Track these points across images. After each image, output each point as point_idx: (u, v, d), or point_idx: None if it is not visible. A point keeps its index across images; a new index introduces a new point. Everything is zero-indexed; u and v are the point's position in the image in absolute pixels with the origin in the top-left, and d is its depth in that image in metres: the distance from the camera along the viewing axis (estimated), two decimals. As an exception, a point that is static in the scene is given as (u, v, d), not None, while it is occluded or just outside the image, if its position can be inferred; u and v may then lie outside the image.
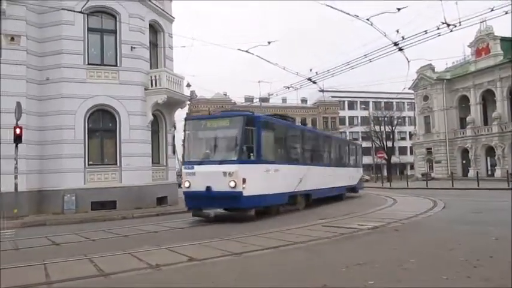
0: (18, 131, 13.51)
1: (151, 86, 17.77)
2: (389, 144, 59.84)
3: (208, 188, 10.98)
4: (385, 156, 50.03)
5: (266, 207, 12.35)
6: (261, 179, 11.43)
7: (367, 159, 67.12)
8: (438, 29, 12.58)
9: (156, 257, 6.06)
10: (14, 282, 4.88)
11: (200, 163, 11.53)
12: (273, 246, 6.91)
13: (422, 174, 45.64)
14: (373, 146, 58.52)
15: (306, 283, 4.70)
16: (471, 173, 40.82)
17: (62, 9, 14.78)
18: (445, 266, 5.23)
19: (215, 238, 7.92)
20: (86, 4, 14.21)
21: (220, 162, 11.15)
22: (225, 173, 10.82)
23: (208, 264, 5.72)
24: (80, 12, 14.30)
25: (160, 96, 17.53)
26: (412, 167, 62.86)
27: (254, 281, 4.92)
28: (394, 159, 63.58)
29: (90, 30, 16.97)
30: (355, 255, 6.17)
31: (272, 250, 6.68)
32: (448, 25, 12.40)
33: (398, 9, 12.72)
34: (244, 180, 10.75)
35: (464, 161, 45.81)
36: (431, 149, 49.31)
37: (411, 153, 63.51)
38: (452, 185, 27.89)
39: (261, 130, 11.65)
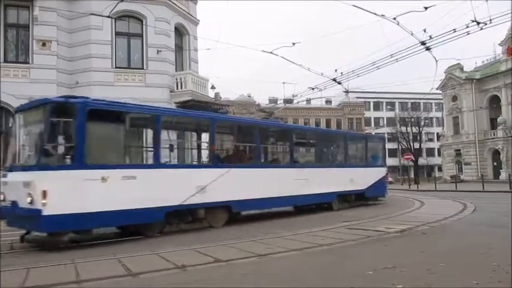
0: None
1: (177, 88, 18.05)
2: (417, 145, 58.62)
3: (14, 203, 7.92)
4: (412, 158, 49.00)
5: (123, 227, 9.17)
6: (85, 191, 7.81)
7: (393, 161, 66.21)
8: (467, 27, 12.29)
9: (182, 258, 6.12)
10: (44, 281, 5.02)
11: (10, 169, 8.59)
12: (297, 248, 6.87)
13: (451, 176, 44.51)
14: (400, 147, 57.48)
15: (332, 286, 4.65)
16: (503, 175, 39.51)
17: (91, 14, 15.19)
18: (475, 271, 5.08)
19: (240, 239, 7.95)
20: (113, 9, 14.54)
21: (23, 169, 8.19)
22: (24, 184, 7.66)
23: (233, 266, 5.74)
24: (108, 16, 14.64)
25: (186, 98, 17.76)
26: (440, 169, 61.38)
27: (278, 283, 4.90)
28: (422, 161, 62.18)
29: (117, 34, 17.40)
30: (383, 258, 6.07)
31: (297, 252, 6.65)
32: (478, 23, 12.08)
33: (426, 8, 12.47)
34: (45, 194, 7.34)
35: (495, 163, 44.38)
36: (460, 150, 48.03)
37: (439, 154, 62.07)
38: (483, 188, 27.06)
39: (84, 122, 7.98)
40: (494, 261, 5.54)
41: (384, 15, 13.00)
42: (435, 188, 31.41)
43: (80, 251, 7.50)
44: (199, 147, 12.51)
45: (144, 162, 10.42)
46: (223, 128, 12.47)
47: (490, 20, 11.96)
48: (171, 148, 10.67)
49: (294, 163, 13.73)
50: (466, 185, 35.38)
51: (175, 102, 17.53)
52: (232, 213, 11.13)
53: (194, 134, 12.71)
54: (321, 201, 14.53)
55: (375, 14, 13.11)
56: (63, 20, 16.87)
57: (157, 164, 9.38)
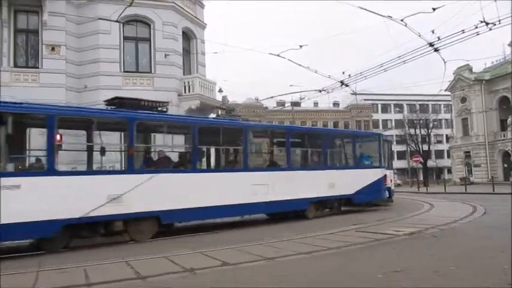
0: (58, 137, 14.00)
1: (185, 92, 18.14)
2: (426, 147, 58.20)
3: None
4: (421, 160, 48.67)
5: None
6: None
7: (402, 163, 65.78)
8: (476, 28, 12.21)
9: (190, 261, 6.13)
10: (55, 283, 5.07)
11: None
12: (306, 252, 6.84)
13: (461, 178, 44.14)
14: (408, 149, 57.10)
15: (341, 289, 4.63)
16: (513, 177, 39.13)
17: (99, 18, 15.33)
18: (486, 274, 5.03)
19: (248, 242, 7.94)
20: (122, 13, 14.66)
21: None
22: None
23: (241, 269, 5.74)
24: (116, 21, 14.76)
25: (194, 102, 17.86)
26: (449, 171, 60.88)
27: (287, 286, 4.89)
28: (431, 163, 61.72)
29: (125, 38, 17.55)
30: (392, 261, 6.03)
31: (305, 255, 6.62)
32: (487, 24, 12.00)
33: (434, 9, 12.44)
34: None
35: (505, 165, 43.94)
36: (469, 152, 47.63)
37: (448, 156, 61.56)
38: (493, 190, 26.74)
39: None
40: (505, 263, 5.47)
41: (391, 17, 12.99)
42: (444, 190, 31.14)
43: (82, 253, 7.54)
44: (115, 151, 11.14)
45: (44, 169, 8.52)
46: (153, 128, 11.26)
47: (499, 21, 11.89)
48: (79, 152, 9.85)
49: (248, 167, 11.82)
50: (476, 187, 35.01)
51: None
52: (164, 225, 9.98)
53: (110, 135, 10.77)
54: (288, 209, 12.65)
55: (381, 15, 13.10)
56: (71, 25, 17.04)
57: (49, 171, 8.14)
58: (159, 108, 11.02)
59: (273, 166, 13.33)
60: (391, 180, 18.17)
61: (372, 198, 15.73)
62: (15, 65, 16.29)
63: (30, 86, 15.88)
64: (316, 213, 13.42)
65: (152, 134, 12.14)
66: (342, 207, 14.76)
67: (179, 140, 12.31)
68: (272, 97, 22.47)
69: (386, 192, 16.43)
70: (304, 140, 14.44)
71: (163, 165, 10.47)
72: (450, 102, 54.81)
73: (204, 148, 12.34)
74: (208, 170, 12.46)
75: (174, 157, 11.12)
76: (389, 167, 18.37)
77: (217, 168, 12.76)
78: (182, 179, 10.25)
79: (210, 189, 10.47)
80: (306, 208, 13.02)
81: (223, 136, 11.77)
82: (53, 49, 16.48)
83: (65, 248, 8.35)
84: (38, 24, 16.57)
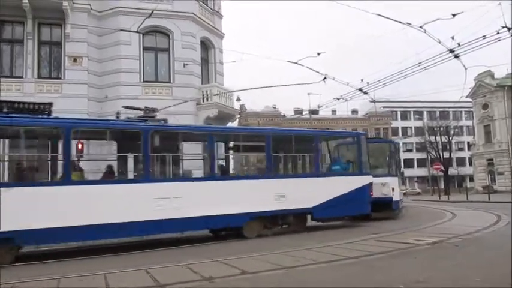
0: (80, 146, 14.27)
1: (203, 100, 18.30)
2: (446, 155, 57.15)
3: None
4: (442, 168, 47.77)
5: None
6: None
7: (422, 171, 64.70)
8: (498, 33, 12.00)
9: (209, 269, 6.15)
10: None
11: None
12: (325, 261, 6.77)
13: (484, 186, 43.10)
14: (429, 157, 56.17)
15: (361, 300, 4.56)
16: (539, 185, 38.04)
17: (120, 30, 15.65)
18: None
19: (267, 251, 7.91)
20: (141, 24, 14.94)
21: None
22: None
23: (260, 278, 5.72)
24: (136, 32, 15.05)
25: (212, 111, 17.99)
26: (471, 179, 59.54)
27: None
28: (452, 171, 60.57)
29: (145, 49, 17.86)
30: (413, 271, 5.92)
31: (324, 265, 6.55)
32: (509, 29, 11.79)
33: (454, 15, 12.28)
34: None
35: (530, 173, 42.82)
36: (492, 160, 46.56)
37: (470, 164, 60.30)
38: (518, 199, 26.04)
39: None
40: (532, 275, 5.31)
41: (410, 24, 12.90)
42: (467, 198, 30.45)
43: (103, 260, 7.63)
44: None
45: None
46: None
47: (522, 26, 11.66)
48: None
49: (150, 175, 9.90)
50: (500, 195, 34.13)
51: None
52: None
53: None
54: (212, 226, 10.88)
55: (400, 22, 13.01)
56: (93, 37, 17.44)
57: None
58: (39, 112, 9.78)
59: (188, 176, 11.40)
60: (393, 189, 15.28)
61: (345, 213, 13.04)
62: (39, 76, 16.74)
63: (53, 97, 16.24)
64: (260, 230, 11.19)
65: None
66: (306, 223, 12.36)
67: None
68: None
69: (369, 206, 13.32)
70: (239, 143, 12.45)
71: None
72: (471, 109, 53.83)
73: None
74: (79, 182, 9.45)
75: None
76: (393, 173, 16.02)
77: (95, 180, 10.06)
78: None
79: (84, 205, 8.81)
80: (243, 225, 10.78)
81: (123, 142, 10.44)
82: (75, 60, 16.88)
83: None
84: (61, 37, 17.02)
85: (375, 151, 15.81)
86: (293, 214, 11.78)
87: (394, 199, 15.27)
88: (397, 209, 15.90)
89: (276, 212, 11.33)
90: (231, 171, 14.06)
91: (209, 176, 10.82)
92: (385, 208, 14.99)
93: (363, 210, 13.29)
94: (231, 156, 12.99)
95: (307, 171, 13.11)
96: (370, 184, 13.36)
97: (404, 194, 27.21)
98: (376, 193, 14.13)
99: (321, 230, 12.47)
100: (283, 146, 12.69)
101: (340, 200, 12.27)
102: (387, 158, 16.43)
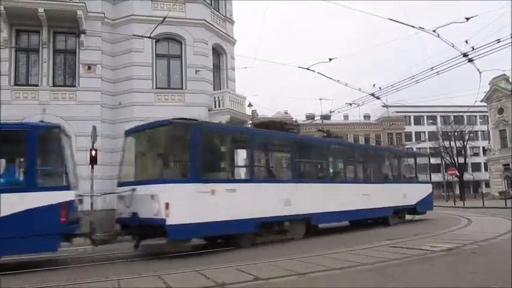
0: (93, 153, 14.42)
1: (215, 106, 18.37)
2: (461, 160, 56.32)
3: None
4: (457, 173, 47.08)
5: None
6: None
7: (436, 177, 63.79)
8: (513, 36, 11.83)
9: (222, 275, 6.12)
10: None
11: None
12: (338, 267, 6.70)
13: (500, 192, 42.35)
14: (443, 162, 55.41)
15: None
16: (557, 190, 37.20)
17: (133, 35, 15.84)
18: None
19: (280, 257, 7.86)
20: (153, 30, 15.09)
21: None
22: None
23: (273, 284, 5.68)
24: (149, 37, 15.21)
25: (224, 117, 18.03)
26: (487, 185, 58.56)
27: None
28: (467, 176, 59.64)
29: (157, 56, 18.01)
30: (429, 279, 5.81)
31: (338, 271, 6.48)
32: (524, 32, 11.61)
33: (467, 19, 12.16)
34: None
35: (548, 178, 41.94)
36: (509, 165, 45.68)
37: (486, 169, 59.33)
38: (536, 204, 25.53)
39: None
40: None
41: (422, 28, 12.80)
42: (483, 204, 29.93)
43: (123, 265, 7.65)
44: None
45: None
46: None
47: (537, 29, 11.49)
48: None
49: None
50: (517, 201, 33.47)
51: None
52: None
53: None
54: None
55: (412, 26, 12.92)
56: (106, 44, 17.66)
57: None
58: None
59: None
60: (166, 204, 8.84)
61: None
62: (54, 84, 16.98)
63: (67, 104, 16.49)
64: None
65: None
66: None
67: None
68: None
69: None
70: None
71: None
72: (486, 114, 53.04)
73: None
74: None
75: None
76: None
77: None
78: None
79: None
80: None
81: None
82: (89, 68, 17.10)
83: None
84: (75, 45, 17.27)
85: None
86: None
87: (170, 222, 8.48)
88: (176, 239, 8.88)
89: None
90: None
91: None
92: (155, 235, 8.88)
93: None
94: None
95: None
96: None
97: None
98: (143, 212, 8.93)
99: (337, 234, 12.37)
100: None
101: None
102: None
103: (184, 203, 8.72)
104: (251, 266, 6.95)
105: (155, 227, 8.55)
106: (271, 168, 12.43)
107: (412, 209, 17.01)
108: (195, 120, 9.77)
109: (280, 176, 12.32)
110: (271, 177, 11.83)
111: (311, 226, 12.12)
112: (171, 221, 8.38)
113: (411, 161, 18.98)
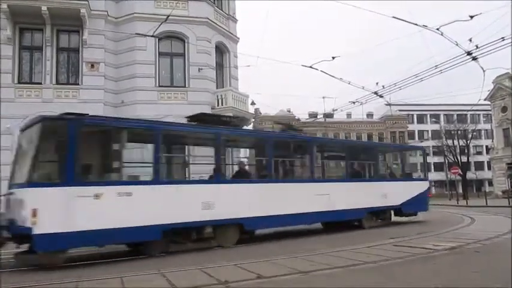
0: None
1: (218, 105, 18.38)
2: (464, 159, 56.14)
3: None
4: (460, 172, 46.95)
5: None
6: None
7: (439, 175, 63.72)
8: (517, 34, 11.78)
9: (225, 274, 6.13)
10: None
11: None
12: (341, 266, 6.70)
13: (503, 191, 42.18)
14: (446, 161, 55.26)
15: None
16: (561, 189, 37.04)
17: (136, 33, 15.87)
18: (536, 293, 4.74)
19: (282, 255, 7.87)
20: (157, 29, 15.11)
21: None
22: None
23: (276, 282, 5.68)
24: (152, 36, 15.24)
25: (228, 115, 18.03)
26: (490, 184, 58.38)
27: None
28: (470, 175, 59.46)
29: (160, 54, 18.05)
30: (432, 278, 5.80)
31: (341, 270, 6.47)
32: (528, 30, 11.56)
33: (471, 17, 12.11)
34: None
35: (551, 177, 41.78)
36: (512, 163, 45.61)
37: (489, 168, 59.13)
38: (539, 203, 25.42)
39: None
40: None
41: (426, 26, 12.75)
42: (486, 203, 29.81)
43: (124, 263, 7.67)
44: None
45: None
46: None
47: (542, 27, 11.42)
48: None
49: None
50: (520, 200, 33.34)
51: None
52: None
53: None
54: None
55: (417, 24, 12.88)
56: (110, 42, 17.71)
57: None
58: None
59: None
60: (33, 211, 8.02)
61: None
62: (57, 82, 17.04)
63: (70, 102, 16.54)
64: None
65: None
66: None
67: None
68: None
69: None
70: None
71: None
72: (490, 112, 52.87)
73: None
74: None
75: None
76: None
77: None
78: None
79: None
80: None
81: None
82: (92, 66, 17.15)
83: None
84: (78, 43, 17.32)
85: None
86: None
87: (37, 231, 7.43)
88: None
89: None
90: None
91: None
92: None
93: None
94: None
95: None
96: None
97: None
98: (18, 219, 7.80)
99: (340, 233, 12.36)
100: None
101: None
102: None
103: (56, 210, 7.53)
104: (253, 264, 6.95)
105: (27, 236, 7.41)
106: (186, 167, 11.36)
107: (398, 210, 15.01)
108: (82, 114, 8.47)
109: (199, 175, 10.99)
110: (183, 177, 10.91)
111: (248, 232, 10.90)
112: (39, 229, 7.23)
113: (398, 155, 17.00)
